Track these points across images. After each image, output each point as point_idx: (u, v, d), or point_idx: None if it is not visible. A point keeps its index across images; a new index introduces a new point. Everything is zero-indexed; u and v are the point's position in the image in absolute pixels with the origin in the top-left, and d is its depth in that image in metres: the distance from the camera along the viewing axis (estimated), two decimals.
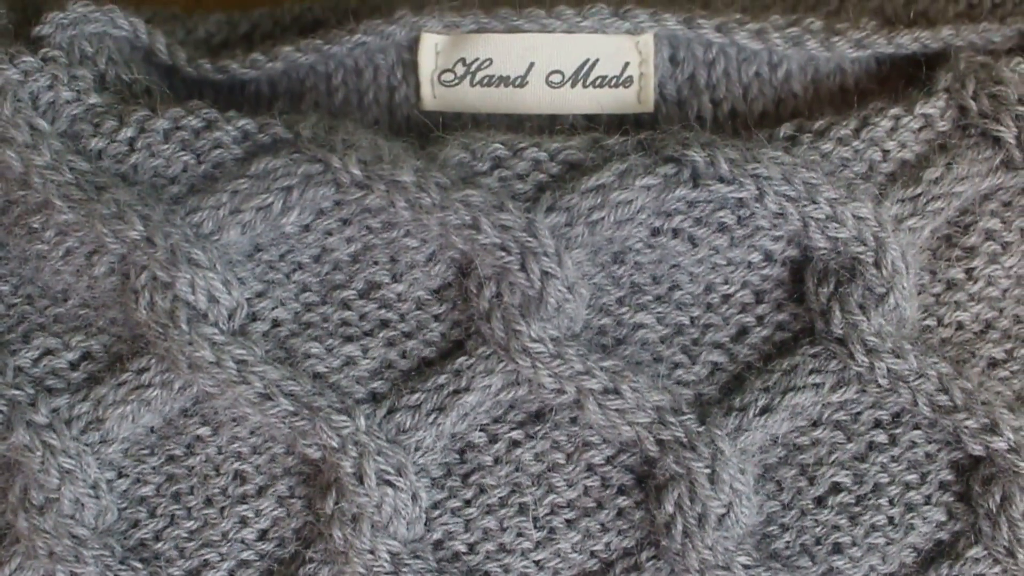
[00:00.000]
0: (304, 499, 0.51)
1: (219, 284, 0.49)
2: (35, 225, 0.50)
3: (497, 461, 0.50)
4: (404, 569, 0.49)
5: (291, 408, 0.49)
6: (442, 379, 0.49)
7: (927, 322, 0.51)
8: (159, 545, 0.51)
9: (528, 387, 0.49)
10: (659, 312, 0.50)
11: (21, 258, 0.51)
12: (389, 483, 0.49)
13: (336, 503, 0.49)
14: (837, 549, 0.50)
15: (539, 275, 0.48)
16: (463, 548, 0.50)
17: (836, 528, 0.50)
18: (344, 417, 0.49)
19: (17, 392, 0.50)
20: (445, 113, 0.54)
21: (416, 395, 0.49)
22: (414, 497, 0.49)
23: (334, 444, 0.49)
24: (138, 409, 0.50)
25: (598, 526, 0.50)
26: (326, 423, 0.49)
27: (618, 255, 0.50)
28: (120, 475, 0.51)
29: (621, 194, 0.49)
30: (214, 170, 0.50)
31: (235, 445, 0.51)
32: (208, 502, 0.51)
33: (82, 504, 0.50)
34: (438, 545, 0.50)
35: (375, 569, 0.49)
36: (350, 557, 0.49)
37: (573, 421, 0.50)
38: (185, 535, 0.51)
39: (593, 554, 0.50)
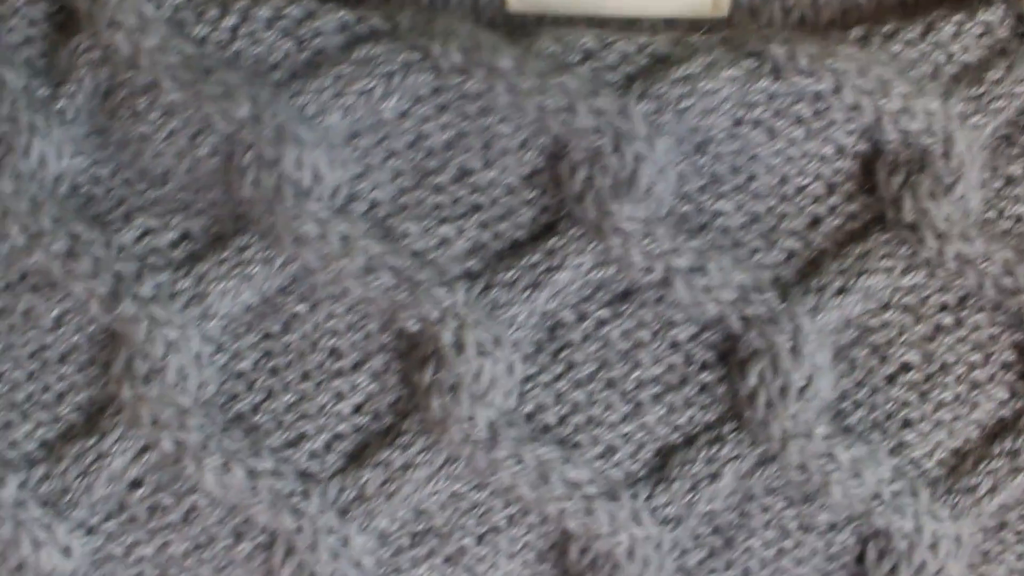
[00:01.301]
0: (399, 373, 0.53)
1: (324, 162, 0.51)
2: (140, 107, 0.52)
3: (586, 338, 0.53)
4: (500, 437, 0.51)
5: (393, 281, 0.51)
6: (536, 258, 0.52)
7: (988, 215, 0.54)
8: (257, 418, 0.53)
9: (617, 267, 0.52)
10: (738, 200, 0.53)
11: (121, 142, 0.53)
12: (487, 353, 0.51)
13: (435, 374, 0.51)
14: (906, 424, 0.53)
15: (632, 158, 0.51)
16: (554, 420, 0.53)
17: (905, 404, 0.53)
18: (444, 290, 0.51)
19: (123, 265, 0.52)
20: (529, 15, 0.56)
21: (511, 272, 0.52)
22: (510, 368, 0.51)
23: (435, 316, 0.51)
24: (239, 285, 0.52)
25: (682, 401, 0.53)
26: (427, 296, 0.51)
27: (700, 145, 0.53)
28: (219, 350, 0.53)
29: (708, 84, 0.51)
30: (315, 57, 0.52)
31: (331, 322, 0.53)
32: (304, 377, 0.53)
33: (185, 375, 0.52)
34: (530, 417, 0.52)
35: (472, 437, 0.51)
36: (448, 425, 0.51)
37: (659, 300, 0.52)
38: (282, 409, 0.53)
39: (676, 428, 0.53)
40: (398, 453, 0.52)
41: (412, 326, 0.51)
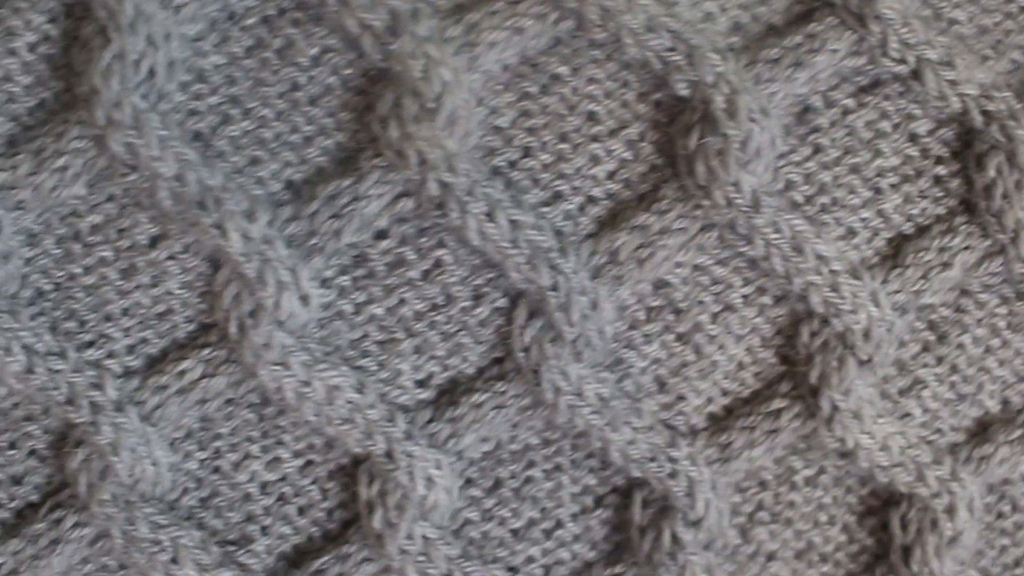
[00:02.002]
0: (654, 144, 0.53)
1: None
2: None
3: (832, 124, 0.55)
4: (761, 205, 0.53)
5: (669, 44, 0.52)
6: (797, 40, 0.54)
7: None
8: (514, 174, 0.53)
9: (868, 57, 0.54)
10: (969, 11, 0.56)
11: None
12: (755, 121, 0.52)
13: (701, 138, 0.52)
14: None
15: None
16: (801, 199, 0.54)
17: None
18: (718, 56, 0.52)
19: (399, 3, 0.51)
20: None
21: (774, 51, 0.53)
22: (772, 141, 0.53)
23: (710, 79, 0.52)
24: (509, 38, 0.52)
25: (916, 192, 0.55)
26: (703, 60, 0.52)
27: None
28: (479, 103, 0.52)
29: None
30: None
31: (591, 87, 0.53)
32: (562, 138, 0.53)
33: (455, 119, 0.51)
34: (780, 193, 0.54)
35: (736, 200, 0.52)
36: (711, 190, 0.52)
37: (901, 94, 0.55)
38: (539, 167, 0.53)
39: (910, 218, 0.55)
40: (655, 218, 0.53)
41: (682, 90, 0.52)
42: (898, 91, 0.55)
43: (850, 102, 0.55)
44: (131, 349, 0.53)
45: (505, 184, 0.52)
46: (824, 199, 0.54)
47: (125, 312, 0.52)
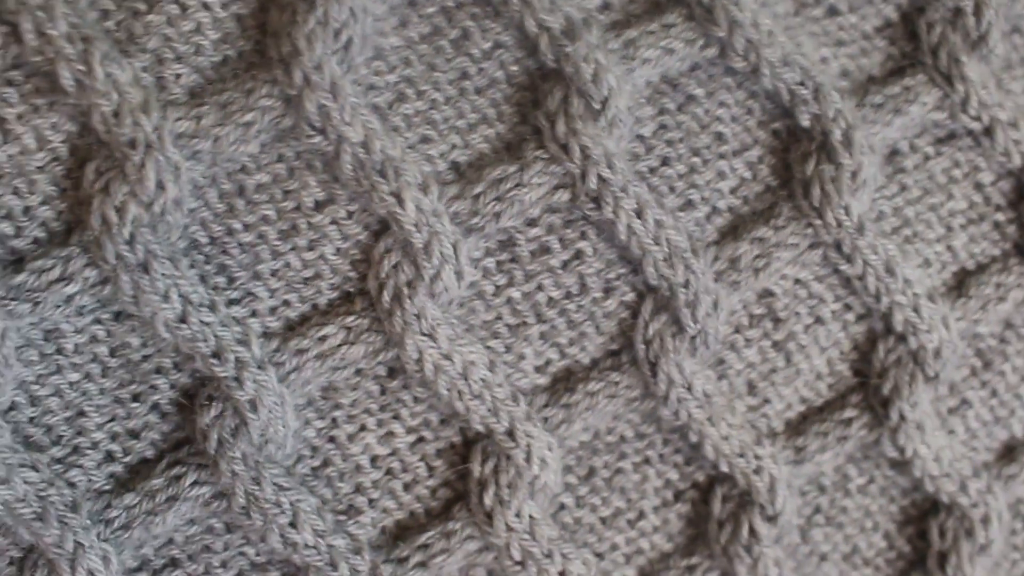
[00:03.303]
0: (770, 167, 0.59)
1: None
2: None
3: (915, 167, 0.62)
4: (866, 228, 0.59)
5: (799, 79, 0.58)
6: (896, 90, 0.61)
7: None
8: (653, 179, 0.58)
9: (949, 112, 0.62)
10: None
11: None
12: (864, 154, 0.59)
13: (818, 164, 0.58)
14: None
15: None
16: (888, 230, 0.61)
17: None
18: (836, 94, 0.59)
19: (574, 11, 0.56)
20: None
21: (878, 97, 0.60)
22: (875, 175, 0.60)
23: (829, 114, 0.58)
24: (660, 57, 0.57)
25: (979, 233, 0.63)
26: (826, 97, 0.58)
27: None
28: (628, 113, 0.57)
29: None
30: None
31: (720, 111, 0.59)
32: (694, 152, 0.58)
33: (616, 121, 0.56)
34: (875, 221, 0.61)
35: (844, 222, 0.59)
36: (824, 211, 0.59)
37: (971, 147, 0.63)
38: (675, 176, 0.58)
39: (972, 255, 0.63)
40: (772, 232, 0.58)
41: (805, 120, 0.58)
42: (969, 144, 0.63)
43: (930, 150, 0.62)
44: (273, 311, 0.54)
45: (648, 187, 0.57)
46: (907, 231, 0.61)
47: (274, 273, 0.54)
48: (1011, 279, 0.63)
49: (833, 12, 0.61)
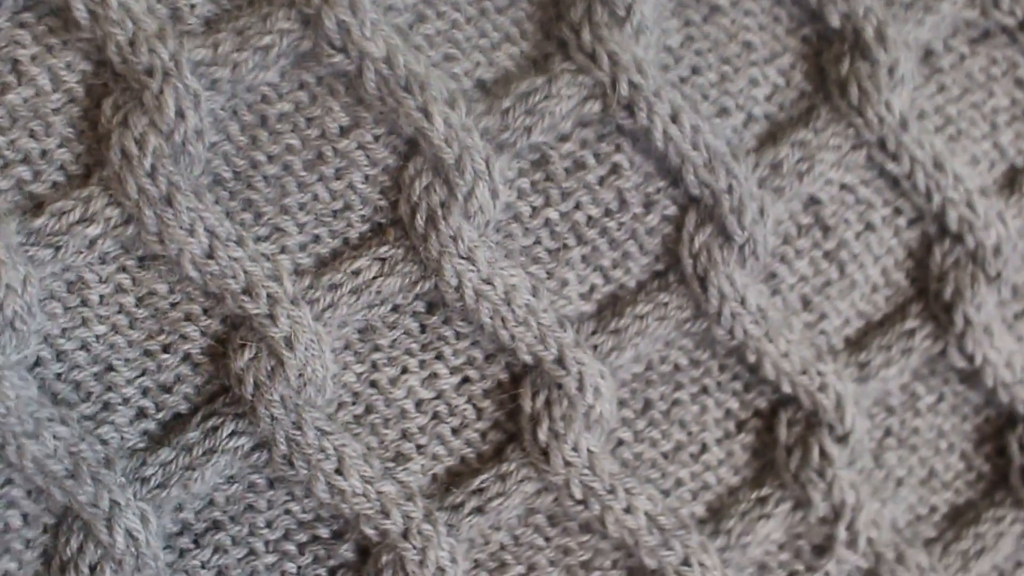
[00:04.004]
0: (803, 73, 0.57)
1: None
2: None
3: (951, 67, 0.60)
4: (910, 126, 0.57)
5: None
6: None
7: None
8: (685, 88, 0.56)
9: (981, 9, 0.60)
10: None
11: None
12: (899, 49, 0.57)
13: (852, 64, 0.57)
14: None
15: None
16: (932, 129, 0.59)
17: None
18: None
19: None
20: None
21: None
22: (912, 72, 0.58)
23: (859, 12, 0.57)
24: None
25: None
26: None
27: None
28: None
29: None
30: None
31: (747, 19, 0.57)
32: (723, 61, 0.57)
33: (642, 29, 0.54)
34: (918, 119, 0.59)
35: (886, 119, 0.57)
36: (864, 109, 0.57)
37: (1007, 44, 0.61)
38: (707, 84, 0.56)
39: (1021, 151, 0.61)
40: (813, 135, 0.56)
41: (835, 21, 0.57)
42: (1004, 42, 0.61)
43: (965, 49, 0.60)
44: (303, 247, 0.52)
45: (681, 95, 0.55)
46: (951, 129, 0.59)
47: (302, 207, 0.52)
48: None
49: None
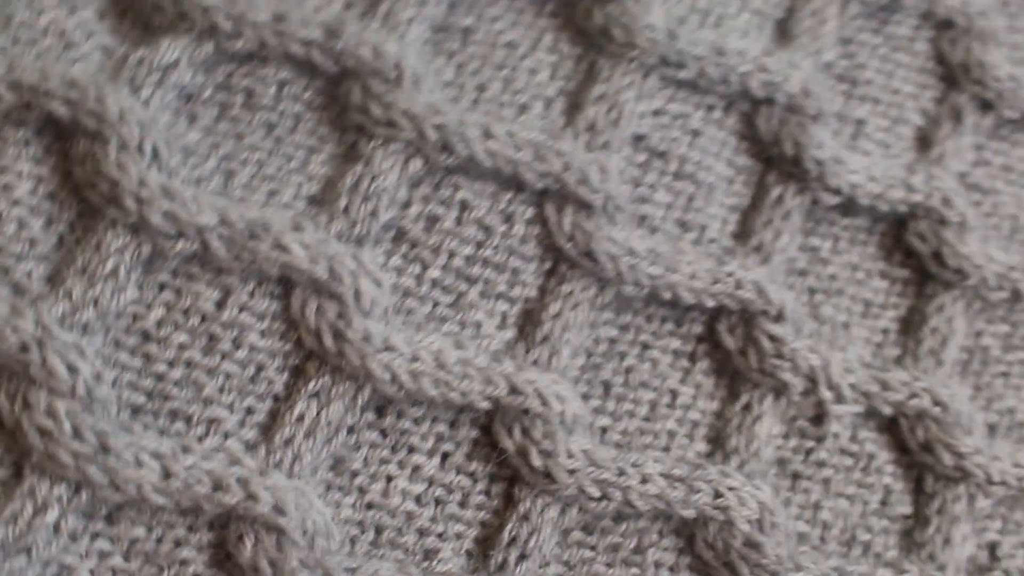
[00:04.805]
0: (569, 41, 0.61)
1: None
2: None
3: None
4: None
5: None
6: None
7: None
8: (483, 106, 0.59)
9: None
10: None
11: None
12: None
13: (603, 8, 0.61)
14: None
15: None
16: None
17: None
18: None
19: None
20: None
21: None
22: None
23: None
24: None
25: None
26: None
27: None
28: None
29: None
30: None
31: (497, 25, 0.61)
32: (499, 68, 0.60)
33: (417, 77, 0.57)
34: None
35: (658, 38, 0.61)
36: (634, 40, 0.61)
37: None
38: (498, 93, 0.60)
39: None
40: (604, 85, 0.60)
41: None
42: None
43: None
44: (242, 423, 0.53)
45: (483, 113, 0.58)
46: (711, 18, 0.64)
47: (222, 390, 0.53)
48: None
49: None
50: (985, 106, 0.67)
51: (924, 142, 0.66)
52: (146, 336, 0.52)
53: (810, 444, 0.61)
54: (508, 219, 0.58)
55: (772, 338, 0.60)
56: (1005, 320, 0.65)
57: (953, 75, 0.67)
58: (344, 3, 0.58)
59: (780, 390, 0.60)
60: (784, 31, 0.65)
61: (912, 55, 0.67)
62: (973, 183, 0.67)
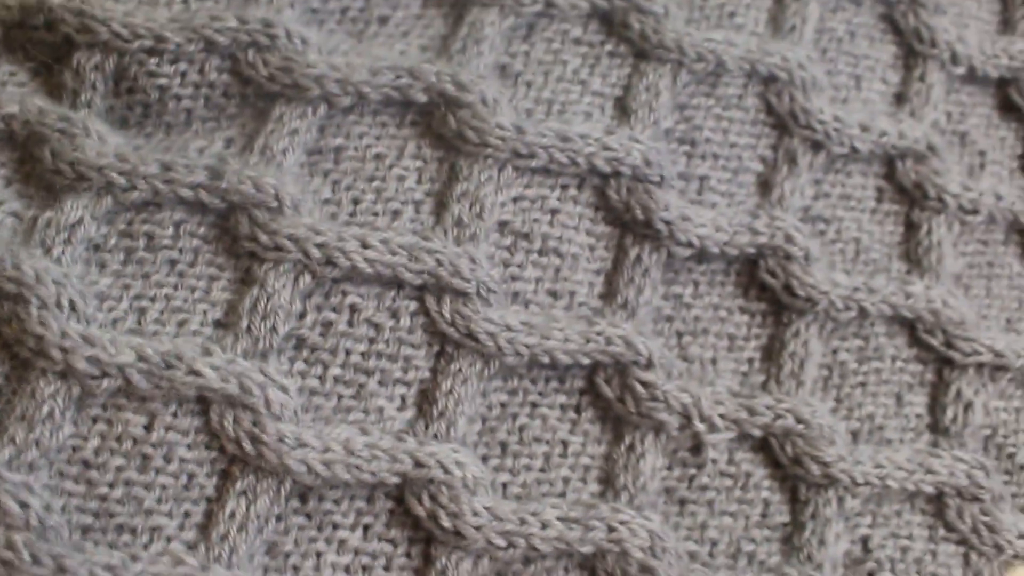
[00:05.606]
0: (430, 146, 0.69)
1: None
2: None
3: None
4: None
5: None
6: None
7: None
8: (359, 218, 0.67)
9: None
10: None
11: None
12: None
13: (448, 112, 0.69)
14: None
15: None
16: None
17: None
18: None
19: None
20: None
21: None
22: None
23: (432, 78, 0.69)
24: None
25: None
26: None
27: None
28: None
29: None
30: None
31: (364, 140, 0.69)
32: (371, 180, 0.68)
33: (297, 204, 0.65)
34: None
35: (505, 135, 0.69)
36: (481, 135, 0.69)
37: None
38: (370, 204, 0.67)
39: None
40: (465, 183, 0.68)
41: (420, 98, 0.69)
42: None
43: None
44: (181, 527, 0.61)
45: (358, 226, 0.66)
46: (557, 105, 0.72)
47: (160, 501, 0.61)
48: None
49: None
50: (816, 146, 0.75)
51: (765, 186, 0.74)
52: (86, 464, 0.60)
53: (692, 471, 0.69)
54: (395, 314, 0.66)
55: (645, 384, 0.67)
56: (857, 335, 0.73)
57: (783, 123, 0.75)
58: (225, 142, 0.66)
59: (659, 428, 0.68)
60: (623, 108, 0.72)
61: (744, 110, 0.75)
62: (816, 214, 0.75)
